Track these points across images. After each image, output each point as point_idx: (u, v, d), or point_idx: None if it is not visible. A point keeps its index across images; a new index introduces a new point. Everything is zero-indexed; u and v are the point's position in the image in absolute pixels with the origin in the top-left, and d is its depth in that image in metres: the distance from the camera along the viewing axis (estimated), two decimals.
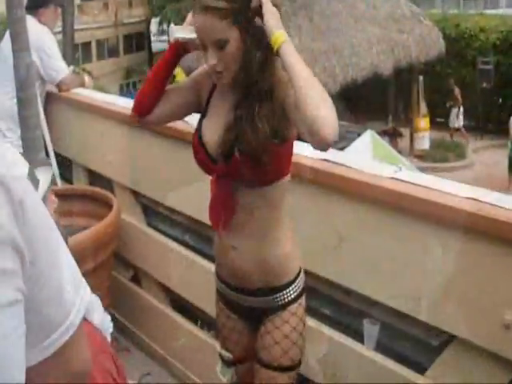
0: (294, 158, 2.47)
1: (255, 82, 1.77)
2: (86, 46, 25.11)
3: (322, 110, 1.58)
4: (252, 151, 1.75)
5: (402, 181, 2.20)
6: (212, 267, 3.00)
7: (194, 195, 2.87)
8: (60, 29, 11.60)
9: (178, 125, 3.12)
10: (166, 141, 3.17)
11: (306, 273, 2.10)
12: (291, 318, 1.96)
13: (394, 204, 2.19)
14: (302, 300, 2.02)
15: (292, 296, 1.97)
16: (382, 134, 14.59)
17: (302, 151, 2.56)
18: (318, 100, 1.60)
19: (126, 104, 3.60)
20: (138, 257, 3.59)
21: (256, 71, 1.75)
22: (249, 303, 2.02)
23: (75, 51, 20.25)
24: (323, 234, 2.43)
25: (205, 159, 1.89)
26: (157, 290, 3.50)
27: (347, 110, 14.44)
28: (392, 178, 2.23)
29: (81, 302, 0.92)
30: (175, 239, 3.36)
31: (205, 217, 2.94)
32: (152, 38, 29.50)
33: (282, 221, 1.94)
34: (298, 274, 2.01)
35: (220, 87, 1.89)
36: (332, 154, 2.53)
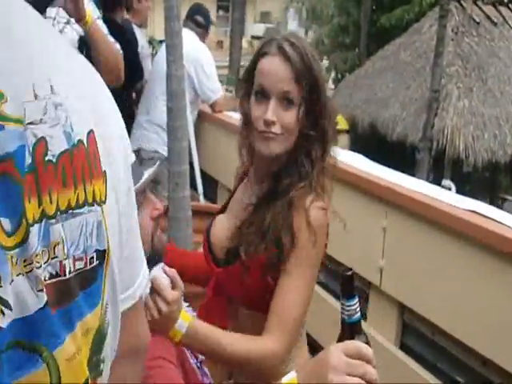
0: (429, 201, 2.36)
1: (288, 177, 1.52)
2: None
3: None
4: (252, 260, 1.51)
5: None
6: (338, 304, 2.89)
7: None
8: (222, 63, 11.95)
9: None
10: None
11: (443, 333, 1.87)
12: None
13: None
14: None
15: None
16: None
17: (445, 198, 2.43)
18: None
19: None
20: None
21: (302, 163, 1.51)
22: None
23: None
24: (466, 290, 2.25)
25: (208, 259, 1.68)
26: None
27: None
28: None
29: (142, 278, 0.86)
30: None
31: (335, 252, 2.84)
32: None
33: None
34: None
35: (248, 180, 1.68)
36: (481, 206, 2.36)
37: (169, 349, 1.33)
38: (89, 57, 2.63)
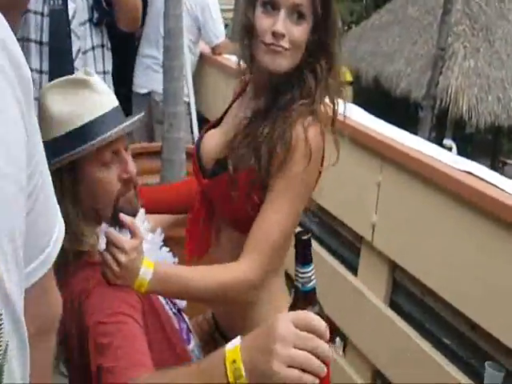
0: (426, 160, 2.29)
1: (289, 92, 1.45)
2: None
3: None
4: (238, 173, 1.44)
5: None
6: (335, 262, 2.85)
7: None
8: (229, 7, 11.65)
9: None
10: None
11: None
12: None
13: None
14: None
15: None
16: None
17: (443, 158, 2.36)
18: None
19: None
20: None
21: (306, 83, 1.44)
22: None
23: None
24: (457, 253, 2.20)
25: (197, 171, 1.60)
26: None
27: None
28: None
29: (58, 234, 0.74)
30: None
31: (328, 204, 2.77)
32: None
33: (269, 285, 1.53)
34: None
35: (248, 93, 1.59)
36: (479, 168, 2.29)
37: (130, 304, 1.25)
38: None
